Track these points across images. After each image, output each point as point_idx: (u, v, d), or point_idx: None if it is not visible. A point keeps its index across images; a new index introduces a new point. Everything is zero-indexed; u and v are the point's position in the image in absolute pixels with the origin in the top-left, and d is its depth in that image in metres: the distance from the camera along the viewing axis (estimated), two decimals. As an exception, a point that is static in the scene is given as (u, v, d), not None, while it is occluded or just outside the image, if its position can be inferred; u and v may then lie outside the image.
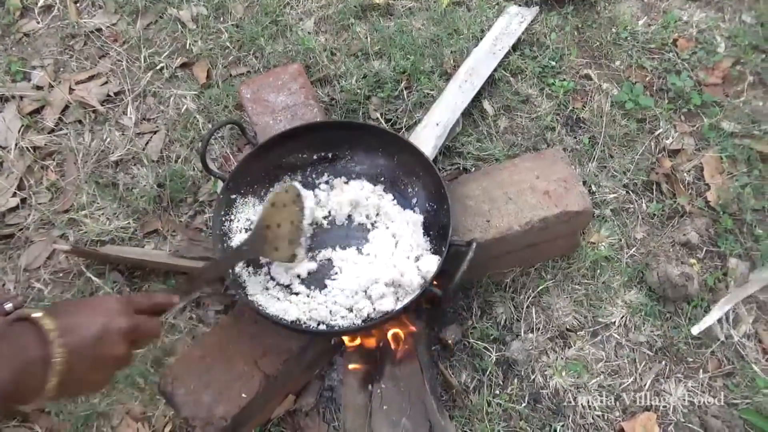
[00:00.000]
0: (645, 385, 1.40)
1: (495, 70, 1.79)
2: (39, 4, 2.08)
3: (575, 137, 1.75)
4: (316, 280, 1.31)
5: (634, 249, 1.58)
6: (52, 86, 1.90)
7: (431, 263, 1.23)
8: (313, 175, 1.45)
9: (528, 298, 1.50)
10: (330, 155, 1.44)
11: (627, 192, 1.66)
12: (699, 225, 1.59)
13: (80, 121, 1.84)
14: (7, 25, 2.06)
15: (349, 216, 1.39)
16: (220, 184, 1.33)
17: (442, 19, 1.94)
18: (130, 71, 1.93)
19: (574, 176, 1.41)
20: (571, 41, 1.91)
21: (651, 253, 1.56)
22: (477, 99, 1.75)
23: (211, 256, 1.46)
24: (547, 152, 1.48)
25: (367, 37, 1.92)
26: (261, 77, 1.65)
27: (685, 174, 1.67)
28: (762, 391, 1.37)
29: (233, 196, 1.34)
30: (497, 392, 1.40)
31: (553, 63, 1.85)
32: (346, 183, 1.43)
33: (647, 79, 1.84)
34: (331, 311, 1.23)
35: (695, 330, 1.44)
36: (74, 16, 2.05)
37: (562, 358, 1.43)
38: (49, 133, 1.83)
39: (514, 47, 1.86)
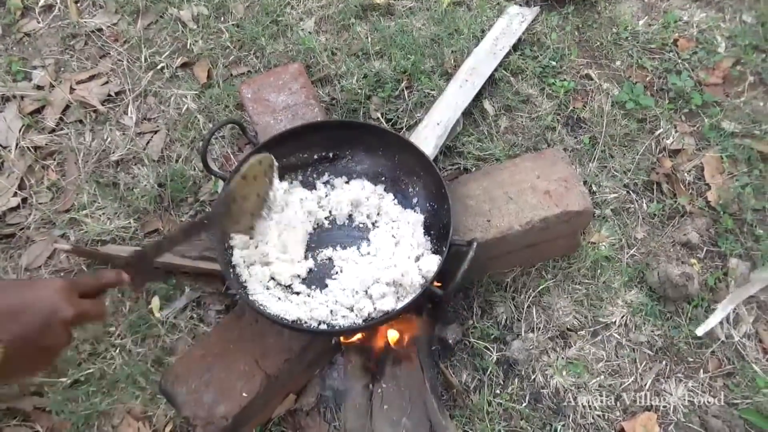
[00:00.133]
0: (645, 384, 1.41)
1: (495, 69, 1.79)
2: (40, 4, 2.08)
3: (576, 137, 1.75)
4: (317, 279, 1.31)
5: (634, 249, 1.58)
6: (53, 86, 1.90)
7: (432, 263, 1.23)
8: (314, 175, 1.45)
9: (528, 297, 1.50)
10: (331, 155, 1.45)
11: (627, 192, 1.66)
12: (699, 225, 1.59)
13: (81, 121, 1.84)
14: (8, 24, 2.06)
15: (350, 216, 1.39)
16: (221, 184, 1.33)
17: (442, 19, 1.94)
18: (130, 71, 1.93)
19: (574, 176, 1.41)
20: (571, 41, 1.91)
21: (651, 253, 1.57)
22: (477, 99, 1.75)
23: (212, 256, 1.47)
24: (547, 152, 1.48)
25: (367, 37, 1.92)
26: (262, 77, 1.66)
27: (686, 174, 1.67)
28: (762, 391, 1.37)
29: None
30: (498, 392, 1.40)
31: (554, 63, 1.85)
32: (347, 183, 1.43)
33: (648, 79, 1.84)
34: (331, 311, 1.23)
35: (699, 331, 1.44)
36: (75, 16, 2.05)
37: (562, 358, 1.44)
38: (49, 132, 1.83)
39: (515, 47, 1.86)
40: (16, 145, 1.79)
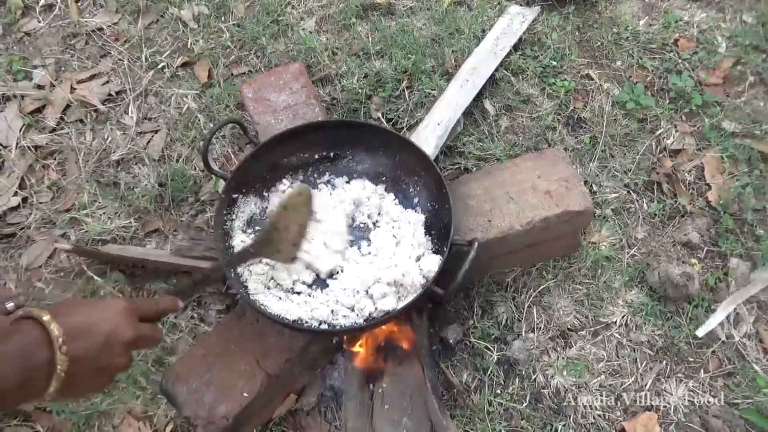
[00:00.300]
0: (646, 384, 1.41)
1: (496, 69, 1.79)
2: (40, 3, 2.08)
3: (576, 137, 1.75)
4: (318, 279, 1.31)
5: (635, 249, 1.58)
6: (54, 85, 1.90)
7: (433, 263, 1.23)
8: (315, 175, 1.45)
9: (529, 297, 1.51)
10: (331, 155, 1.45)
11: (628, 192, 1.66)
12: (700, 225, 1.59)
13: (81, 121, 1.84)
14: (9, 24, 2.06)
15: (351, 215, 1.39)
16: (222, 183, 1.33)
17: (443, 19, 1.94)
18: (131, 70, 1.93)
19: (575, 176, 1.41)
20: (572, 41, 1.91)
21: (652, 253, 1.57)
22: (478, 99, 1.75)
23: (213, 255, 1.47)
24: (548, 152, 1.48)
25: (368, 37, 1.92)
26: (262, 76, 1.66)
27: (686, 174, 1.67)
28: (763, 391, 1.37)
29: (235, 195, 1.34)
30: (498, 392, 1.40)
31: (554, 63, 1.85)
32: (348, 182, 1.43)
33: (648, 79, 1.84)
34: (332, 310, 1.23)
35: (700, 332, 1.44)
36: (75, 16, 2.05)
37: (563, 358, 1.44)
38: (50, 132, 1.83)
39: (516, 47, 1.86)
40: (17, 144, 1.79)
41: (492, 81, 1.80)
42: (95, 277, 1.57)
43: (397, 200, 1.40)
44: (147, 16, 2.04)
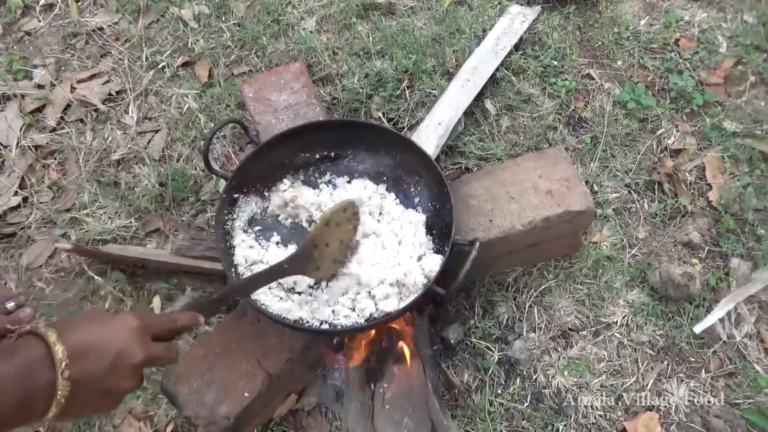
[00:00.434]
0: (647, 384, 1.40)
1: (497, 69, 1.79)
2: (40, 3, 2.08)
3: (577, 137, 1.75)
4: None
5: (636, 249, 1.58)
6: (54, 85, 1.90)
7: (434, 263, 1.23)
8: (316, 175, 1.44)
9: (530, 297, 1.50)
10: (332, 154, 1.44)
11: (629, 192, 1.66)
12: (701, 225, 1.59)
13: (82, 120, 1.84)
14: (9, 23, 2.05)
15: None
16: (223, 183, 1.33)
17: (443, 19, 1.94)
18: (131, 70, 1.93)
19: (576, 176, 1.41)
20: (573, 41, 1.91)
21: (653, 253, 1.57)
22: (479, 98, 1.75)
23: (214, 255, 1.46)
24: (549, 152, 1.48)
25: (368, 36, 1.92)
26: (263, 76, 1.65)
27: (687, 174, 1.67)
28: (764, 391, 1.37)
29: (236, 195, 1.34)
30: (499, 392, 1.40)
31: (555, 62, 1.85)
32: (349, 182, 1.43)
33: (649, 78, 1.84)
34: (333, 310, 1.23)
35: (697, 328, 1.44)
36: (76, 15, 2.05)
37: (564, 358, 1.44)
38: (50, 131, 1.83)
39: (516, 47, 1.86)
40: (17, 144, 1.79)
41: (493, 81, 1.80)
42: (96, 277, 1.57)
43: (398, 200, 1.40)
44: (147, 16, 2.04)
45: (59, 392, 0.64)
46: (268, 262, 1.30)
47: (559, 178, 1.40)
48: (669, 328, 1.47)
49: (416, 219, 1.35)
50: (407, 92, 1.79)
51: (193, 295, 1.54)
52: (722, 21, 1.95)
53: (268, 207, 1.40)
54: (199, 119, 1.80)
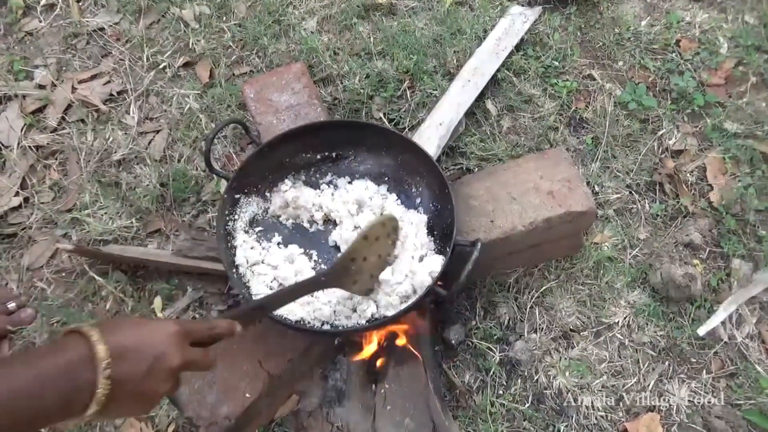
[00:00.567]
0: (648, 385, 1.40)
1: (498, 70, 1.78)
2: (41, 3, 2.08)
3: (578, 137, 1.75)
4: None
5: (637, 249, 1.58)
6: (55, 85, 1.90)
7: (435, 263, 1.23)
8: (317, 175, 1.45)
9: (531, 298, 1.50)
10: (334, 155, 1.44)
11: (630, 192, 1.66)
12: (702, 226, 1.59)
13: (83, 120, 1.84)
14: (10, 23, 2.05)
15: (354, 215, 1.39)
16: (224, 184, 1.33)
17: (445, 19, 1.93)
18: (132, 70, 1.93)
19: (577, 176, 1.41)
20: (574, 41, 1.91)
21: (654, 254, 1.57)
22: (480, 99, 1.75)
23: (216, 256, 1.46)
24: (550, 152, 1.48)
25: (370, 37, 1.92)
26: (264, 76, 1.65)
27: (688, 174, 1.67)
28: (765, 392, 1.37)
29: (237, 196, 1.34)
30: (501, 392, 1.40)
31: (556, 63, 1.85)
32: (350, 183, 1.43)
33: (650, 79, 1.84)
34: (335, 311, 1.23)
35: (701, 331, 1.44)
36: (77, 15, 2.05)
37: (565, 359, 1.44)
38: (51, 132, 1.83)
39: (517, 47, 1.86)
40: (18, 144, 1.79)
41: (494, 81, 1.80)
42: (97, 278, 1.56)
43: (399, 201, 1.40)
44: (148, 16, 2.04)
45: (99, 391, 0.65)
46: (269, 262, 1.31)
47: (561, 178, 1.40)
48: (670, 328, 1.47)
49: (417, 220, 1.35)
50: (408, 93, 1.79)
51: (193, 296, 1.54)
52: (723, 22, 1.95)
53: (269, 207, 1.40)
54: (200, 120, 1.80)
